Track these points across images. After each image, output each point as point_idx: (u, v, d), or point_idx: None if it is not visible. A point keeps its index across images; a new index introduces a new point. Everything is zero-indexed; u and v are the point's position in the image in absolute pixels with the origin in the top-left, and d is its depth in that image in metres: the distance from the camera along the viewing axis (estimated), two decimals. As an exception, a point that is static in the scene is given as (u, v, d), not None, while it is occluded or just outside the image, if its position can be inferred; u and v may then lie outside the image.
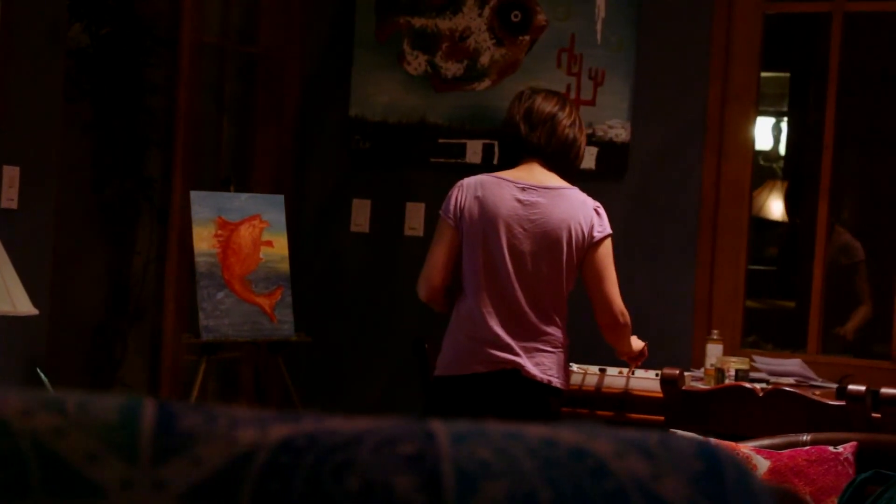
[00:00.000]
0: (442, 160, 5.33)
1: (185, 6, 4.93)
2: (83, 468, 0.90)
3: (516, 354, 3.70)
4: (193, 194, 4.43)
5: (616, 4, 5.14)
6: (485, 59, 5.32)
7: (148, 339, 5.18)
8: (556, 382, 3.74)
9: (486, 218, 3.74)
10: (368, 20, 5.45)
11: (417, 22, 5.39)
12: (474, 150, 5.32)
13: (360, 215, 5.42)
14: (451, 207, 3.79)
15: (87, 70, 5.14)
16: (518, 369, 3.69)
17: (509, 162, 3.89)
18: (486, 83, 5.31)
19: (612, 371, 4.33)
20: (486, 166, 5.30)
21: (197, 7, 5.01)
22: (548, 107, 3.87)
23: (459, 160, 5.31)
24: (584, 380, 4.30)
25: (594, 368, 4.35)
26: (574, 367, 4.27)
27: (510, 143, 3.90)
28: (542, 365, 3.72)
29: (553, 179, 3.84)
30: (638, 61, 5.11)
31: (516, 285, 3.72)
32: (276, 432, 0.93)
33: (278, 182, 5.34)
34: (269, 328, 4.44)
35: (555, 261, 3.75)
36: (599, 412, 4.28)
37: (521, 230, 3.74)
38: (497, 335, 3.68)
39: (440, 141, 5.32)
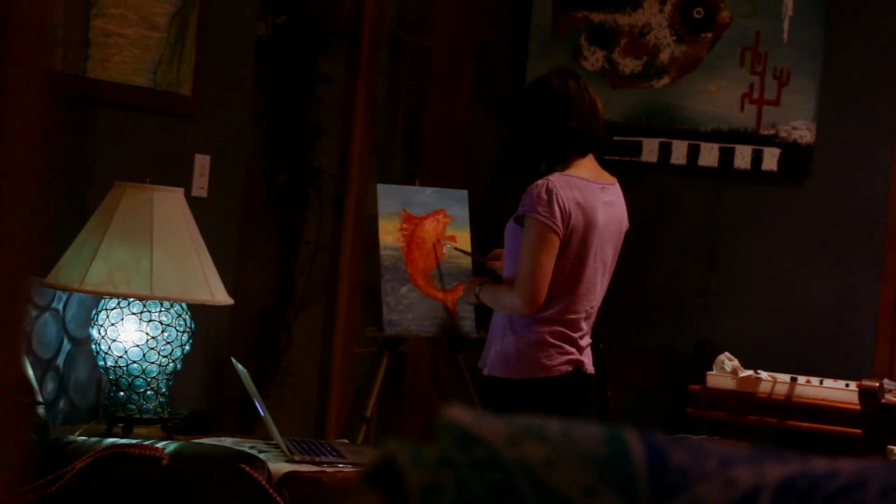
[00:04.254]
0: (616, 158, 5.23)
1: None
2: (581, 503, 0.84)
3: (581, 352, 3.69)
4: (380, 187, 4.40)
5: (804, 2, 5.00)
6: (664, 56, 5.22)
7: (313, 328, 5.17)
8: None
9: (588, 227, 3.62)
10: (545, 14, 5.38)
11: (596, 17, 5.31)
12: (650, 149, 5.23)
13: (530, 211, 5.35)
14: (558, 215, 3.57)
15: (261, 59, 5.15)
16: (580, 367, 3.67)
17: (556, 160, 3.68)
18: (665, 80, 5.21)
19: (801, 380, 4.21)
20: (663, 165, 5.20)
21: (378, -2, 4.98)
22: (587, 91, 3.73)
23: (634, 158, 5.22)
24: (773, 388, 4.19)
25: (784, 377, 4.24)
26: (763, 374, 4.16)
27: (562, 138, 3.66)
28: (589, 357, 3.73)
29: (606, 172, 3.75)
30: (825, 61, 4.98)
31: (596, 287, 3.68)
32: (773, 472, 0.87)
33: (449, 175, 5.30)
34: (451, 324, 4.40)
35: (616, 257, 3.74)
36: (789, 422, 4.17)
37: (606, 233, 3.67)
38: (574, 338, 3.65)
39: (615, 138, 5.23)
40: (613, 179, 3.75)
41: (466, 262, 4.46)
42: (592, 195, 3.65)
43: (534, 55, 5.39)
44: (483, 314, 4.53)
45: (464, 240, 4.48)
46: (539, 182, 3.62)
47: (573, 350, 3.66)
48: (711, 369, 4.51)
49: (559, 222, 3.58)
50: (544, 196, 3.58)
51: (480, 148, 5.49)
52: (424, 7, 5.55)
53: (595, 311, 3.73)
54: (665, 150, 5.20)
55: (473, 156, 5.48)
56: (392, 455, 0.89)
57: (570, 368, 3.64)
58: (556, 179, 3.62)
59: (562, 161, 3.68)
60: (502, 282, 3.77)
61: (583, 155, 3.69)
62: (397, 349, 4.42)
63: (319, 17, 5.13)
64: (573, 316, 3.65)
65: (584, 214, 3.61)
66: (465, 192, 4.57)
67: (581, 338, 3.69)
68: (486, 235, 5.28)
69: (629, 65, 5.26)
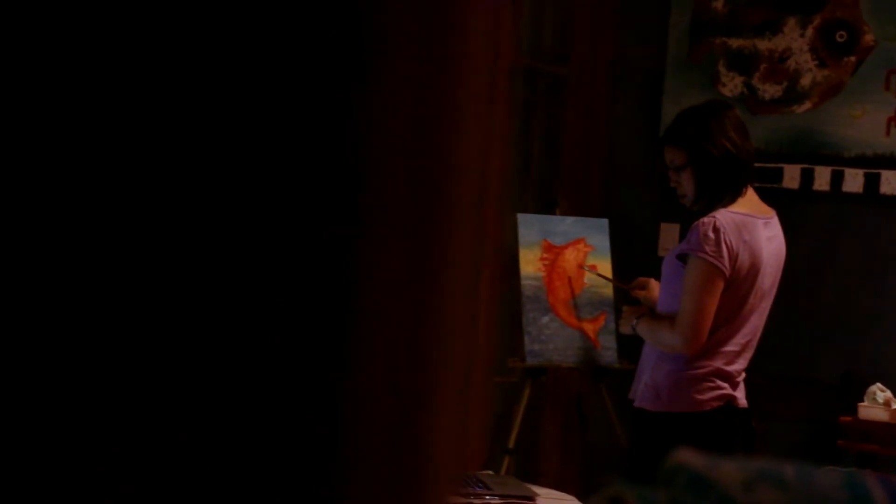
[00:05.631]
0: (757, 185, 5.14)
1: (503, 27, 4.90)
2: (823, 552, 0.81)
3: (735, 387, 3.65)
4: (520, 216, 4.39)
5: (952, 24, 4.88)
6: (805, 81, 5.13)
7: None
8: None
9: (754, 266, 3.57)
10: (682, 40, 5.33)
11: (734, 43, 5.24)
12: (792, 175, 5.14)
13: (668, 239, 5.29)
14: (726, 255, 3.50)
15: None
16: (731, 401, 3.64)
17: (730, 189, 3.62)
18: (807, 106, 5.12)
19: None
20: (805, 192, 5.11)
21: (514, 28, 4.99)
22: (741, 123, 3.67)
23: (775, 185, 5.13)
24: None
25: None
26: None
27: (731, 169, 3.60)
28: (742, 391, 3.70)
29: (766, 205, 3.70)
30: (975, 84, 4.85)
31: (754, 322, 3.64)
32: None
33: (588, 204, 5.27)
34: (593, 355, 4.37)
35: (774, 291, 3.69)
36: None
37: (768, 269, 3.62)
38: (728, 372, 3.62)
39: (755, 165, 5.14)
40: (773, 212, 3.69)
41: (608, 291, 4.42)
42: (757, 232, 3.59)
43: (671, 81, 5.34)
44: (626, 344, 4.48)
45: (605, 269, 4.45)
46: (705, 220, 3.54)
47: (725, 385, 3.61)
48: (860, 400, 4.40)
49: (726, 262, 3.51)
50: (711, 235, 3.50)
51: (619, 176, 5.45)
52: (560, 36, 5.54)
53: (753, 344, 3.67)
54: (807, 177, 5.11)
55: (612, 184, 5.44)
56: (620, 496, 0.87)
57: (720, 403, 3.59)
58: (723, 217, 3.54)
59: (735, 191, 3.61)
60: (655, 313, 3.73)
61: (742, 188, 3.64)
62: (539, 379, 4.40)
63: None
64: (728, 349, 3.60)
65: (749, 253, 3.55)
66: (605, 221, 4.54)
67: (736, 372, 3.64)
68: (627, 264, 5.24)
69: (769, 90, 5.18)
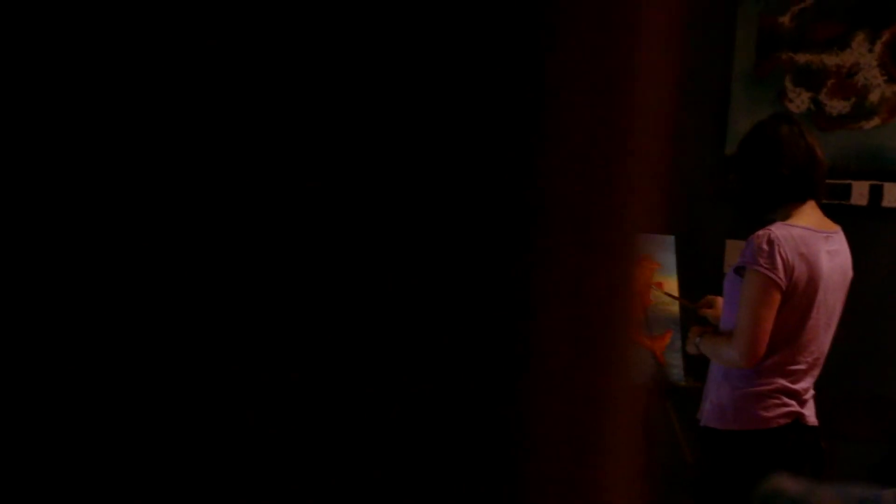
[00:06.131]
0: (824, 201, 5.10)
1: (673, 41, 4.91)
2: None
3: (802, 404, 3.62)
4: (585, 233, 4.38)
5: None
6: (874, 97, 5.08)
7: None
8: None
9: (812, 278, 3.55)
10: (748, 55, 5.29)
11: (801, 58, 5.20)
12: (860, 192, 5.09)
13: (735, 257, 5.24)
14: (781, 267, 3.50)
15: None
16: (799, 418, 3.61)
17: (771, 207, 3.63)
18: (875, 121, 5.07)
19: None
20: (873, 208, 5.06)
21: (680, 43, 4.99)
22: (802, 137, 3.64)
23: (843, 202, 5.08)
24: None
25: None
26: None
27: (774, 186, 3.61)
28: (811, 409, 3.67)
29: (830, 221, 3.67)
30: None
31: (820, 338, 3.61)
32: None
33: (647, 220, 5.24)
34: (659, 372, 4.34)
35: (842, 306, 3.67)
36: None
37: (831, 283, 3.59)
38: (794, 390, 3.60)
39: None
40: (837, 228, 3.68)
41: (674, 308, 4.39)
42: (816, 245, 3.57)
43: (737, 97, 5.30)
44: (693, 362, 4.45)
45: (671, 287, 4.41)
46: (760, 233, 3.56)
47: (792, 402, 3.59)
48: (931, 420, 4.34)
49: (781, 274, 3.51)
50: (766, 248, 3.52)
51: (685, 192, 5.42)
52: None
53: (820, 361, 3.65)
54: (876, 193, 5.05)
55: (678, 201, 5.41)
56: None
57: (788, 421, 3.57)
58: (778, 230, 3.55)
59: (777, 209, 3.62)
60: (719, 331, 3.72)
61: (800, 202, 3.62)
62: (604, 397, 4.38)
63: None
64: (794, 367, 3.59)
65: (807, 266, 3.54)
66: (671, 238, 4.51)
67: (803, 390, 3.62)
68: (693, 282, 5.20)
69: (836, 106, 5.13)
